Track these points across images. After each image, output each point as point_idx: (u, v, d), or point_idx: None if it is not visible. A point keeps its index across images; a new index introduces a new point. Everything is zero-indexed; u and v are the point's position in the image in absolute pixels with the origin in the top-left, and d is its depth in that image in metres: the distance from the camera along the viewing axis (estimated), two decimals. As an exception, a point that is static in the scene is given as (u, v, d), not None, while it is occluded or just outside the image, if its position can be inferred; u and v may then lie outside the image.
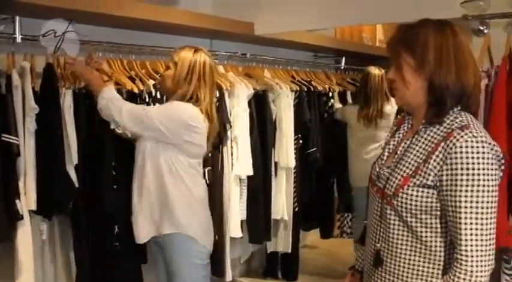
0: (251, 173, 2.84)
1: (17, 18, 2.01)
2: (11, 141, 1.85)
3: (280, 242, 3.33)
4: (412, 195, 1.21)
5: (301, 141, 3.29)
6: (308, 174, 3.40)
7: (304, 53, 4.03)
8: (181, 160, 1.94)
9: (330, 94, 3.68)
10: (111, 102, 1.94)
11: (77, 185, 2.00)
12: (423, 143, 1.24)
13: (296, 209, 3.30)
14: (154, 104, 2.33)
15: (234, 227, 2.82)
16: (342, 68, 4.31)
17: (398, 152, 1.31)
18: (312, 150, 3.33)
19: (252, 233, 3.04)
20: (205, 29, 2.64)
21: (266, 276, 3.61)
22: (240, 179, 2.86)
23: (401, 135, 1.37)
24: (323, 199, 3.71)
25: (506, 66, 1.85)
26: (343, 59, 4.26)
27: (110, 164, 2.09)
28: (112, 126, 2.14)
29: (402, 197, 1.23)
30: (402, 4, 2.28)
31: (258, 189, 2.98)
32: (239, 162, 2.79)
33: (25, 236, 1.93)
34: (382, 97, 3.35)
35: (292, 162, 3.15)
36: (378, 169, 1.35)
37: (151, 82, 2.36)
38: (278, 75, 3.38)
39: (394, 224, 1.27)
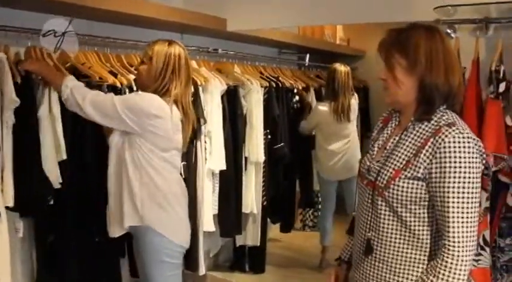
0: (224, 167, 2.86)
1: (-10, 8, 1.94)
2: (-10, 135, 1.77)
3: (249, 236, 3.37)
4: (403, 187, 1.30)
5: (269, 137, 3.36)
6: (276, 169, 3.47)
7: (269, 49, 4.09)
8: (146, 151, 1.90)
9: (295, 90, 3.78)
10: (76, 90, 1.88)
11: (60, 180, 1.95)
12: (412, 138, 1.33)
13: (264, 203, 3.36)
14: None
15: (207, 221, 2.83)
16: (306, 64, 4.41)
17: (388, 147, 1.40)
18: (280, 145, 3.40)
19: (223, 227, 3.06)
20: (177, 23, 2.62)
21: (233, 269, 3.64)
22: (212, 174, 2.88)
23: (389, 132, 1.45)
24: (288, 193, 3.80)
25: (475, 69, 2.02)
26: (307, 55, 4.36)
27: (96, 158, 2.06)
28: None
29: (394, 189, 1.31)
30: (376, 5, 2.37)
31: (230, 183, 3.01)
32: (212, 156, 2.80)
33: (2, 233, 1.86)
34: (349, 92, 3.49)
35: (262, 157, 3.21)
36: (368, 163, 1.43)
37: (131, 77, 2.32)
38: (247, 71, 3.42)
39: (384, 214, 1.35)
